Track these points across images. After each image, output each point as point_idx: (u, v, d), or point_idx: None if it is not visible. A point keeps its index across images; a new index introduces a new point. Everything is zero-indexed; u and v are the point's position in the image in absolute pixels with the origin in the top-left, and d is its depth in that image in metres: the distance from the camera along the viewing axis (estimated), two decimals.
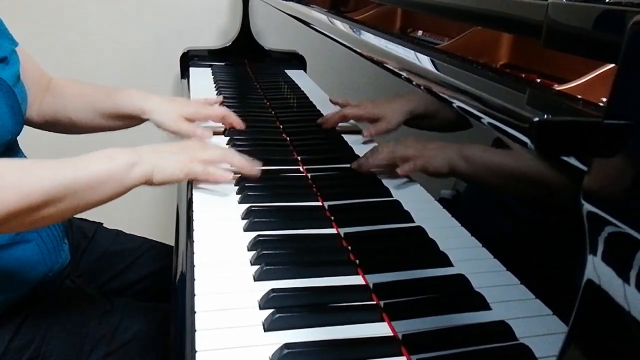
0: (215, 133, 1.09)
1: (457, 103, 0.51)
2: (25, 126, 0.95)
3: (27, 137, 0.99)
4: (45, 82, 1.09)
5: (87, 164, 0.76)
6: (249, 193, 0.85)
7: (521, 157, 0.49)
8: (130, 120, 1.10)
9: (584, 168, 0.35)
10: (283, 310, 0.59)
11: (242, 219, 0.80)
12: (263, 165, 0.95)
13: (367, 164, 0.85)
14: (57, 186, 0.72)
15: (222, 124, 1.11)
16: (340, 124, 1.03)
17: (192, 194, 0.87)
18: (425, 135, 0.74)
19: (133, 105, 1.07)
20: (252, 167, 0.89)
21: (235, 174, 0.89)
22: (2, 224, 0.70)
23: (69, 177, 0.73)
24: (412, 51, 0.66)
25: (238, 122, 1.10)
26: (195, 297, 0.63)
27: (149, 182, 0.81)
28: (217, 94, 1.42)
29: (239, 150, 1.00)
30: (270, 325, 0.58)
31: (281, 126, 1.16)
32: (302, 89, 1.28)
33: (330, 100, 1.08)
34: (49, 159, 0.76)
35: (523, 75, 0.64)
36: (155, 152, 0.83)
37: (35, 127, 1.10)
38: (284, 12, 1.30)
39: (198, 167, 0.85)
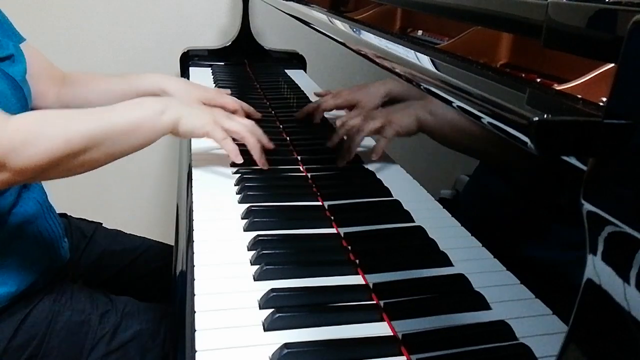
0: None
1: (457, 103, 0.51)
2: None
3: None
4: (59, 75, 1.12)
5: (122, 112, 0.83)
6: (249, 193, 0.85)
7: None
8: None
9: (584, 168, 0.35)
10: (283, 310, 0.59)
11: (242, 218, 0.80)
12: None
13: (336, 137, 0.90)
14: (95, 131, 0.78)
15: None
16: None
17: (192, 194, 0.87)
18: (410, 148, 0.75)
19: (153, 85, 1.12)
20: (261, 155, 0.92)
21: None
22: (49, 168, 0.76)
23: (106, 122, 0.80)
24: (412, 51, 0.66)
25: (253, 112, 1.14)
26: (195, 297, 0.63)
27: (174, 131, 0.87)
28: None
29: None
30: (270, 325, 0.58)
31: (281, 126, 1.16)
32: (302, 89, 1.28)
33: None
34: (88, 109, 0.82)
35: (523, 75, 0.64)
36: (182, 104, 0.90)
37: None
38: (284, 12, 1.30)
39: (218, 132, 0.89)
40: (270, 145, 0.96)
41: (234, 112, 1.11)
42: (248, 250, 0.72)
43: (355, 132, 0.87)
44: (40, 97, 1.06)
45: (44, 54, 1.10)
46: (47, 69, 1.09)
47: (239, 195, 0.86)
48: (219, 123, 0.90)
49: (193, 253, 0.71)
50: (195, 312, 0.60)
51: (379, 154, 0.84)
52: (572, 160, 0.36)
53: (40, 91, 1.06)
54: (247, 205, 0.82)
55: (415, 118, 0.69)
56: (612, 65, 0.36)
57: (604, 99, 0.35)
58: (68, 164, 0.77)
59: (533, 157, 0.45)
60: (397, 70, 0.68)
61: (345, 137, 0.90)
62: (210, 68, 1.72)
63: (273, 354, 0.54)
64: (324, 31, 1.00)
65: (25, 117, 0.78)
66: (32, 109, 1.06)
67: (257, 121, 1.20)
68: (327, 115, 1.06)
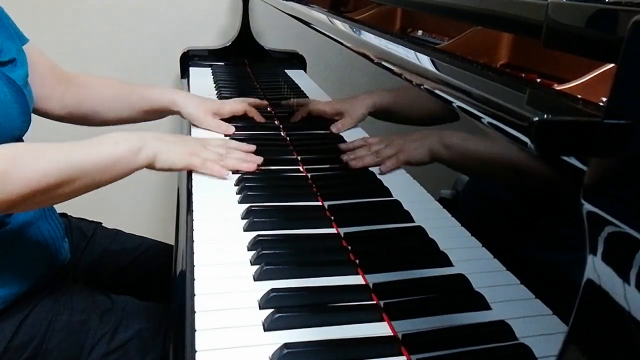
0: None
1: (457, 103, 0.51)
2: (30, 125, 0.96)
3: (34, 133, 0.99)
4: (63, 76, 1.11)
5: (98, 148, 0.82)
6: (249, 193, 0.85)
7: (499, 145, 0.50)
8: (159, 113, 1.17)
9: (584, 168, 0.35)
10: (283, 310, 0.59)
11: (242, 218, 0.80)
12: (263, 165, 0.96)
13: (356, 162, 0.88)
14: (71, 167, 0.78)
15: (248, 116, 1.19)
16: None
17: (192, 194, 0.87)
18: (408, 129, 0.75)
19: (164, 97, 1.14)
20: (248, 164, 0.94)
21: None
22: (21, 202, 0.75)
23: (82, 159, 0.80)
24: (412, 51, 0.66)
25: (259, 118, 1.19)
26: (195, 297, 0.63)
27: (151, 167, 0.88)
28: (217, 94, 1.42)
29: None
30: (270, 325, 0.58)
31: (281, 126, 1.16)
32: (302, 89, 1.28)
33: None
34: (63, 143, 0.81)
35: (523, 75, 0.64)
36: (158, 139, 0.89)
37: (57, 120, 1.13)
38: (284, 12, 1.30)
39: (197, 161, 0.91)
40: (252, 148, 0.98)
41: (244, 112, 1.17)
42: (248, 250, 0.72)
43: (370, 155, 0.86)
44: (44, 100, 1.06)
45: (47, 55, 1.10)
46: (51, 70, 1.09)
47: (239, 195, 0.86)
48: (195, 154, 0.92)
49: (193, 253, 0.71)
50: (195, 312, 0.60)
51: (387, 170, 0.82)
52: (572, 160, 0.36)
53: (44, 93, 1.06)
54: (247, 205, 0.82)
55: (428, 152, 0.69)
56: (612, 65, 0.36)
57: (604, 99, 0.35)
58: (41, 197, 0.77)
59: (549, 174, 0.45)
60: (397, 71, 0.68)
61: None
62: (210, 68, 1.72)
63: (273, 354, 0.54)
64: (324, 31, 1.00)
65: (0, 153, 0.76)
66: (35, 111, 1.06)
67: (257, 121, 1.20)
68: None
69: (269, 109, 1.28)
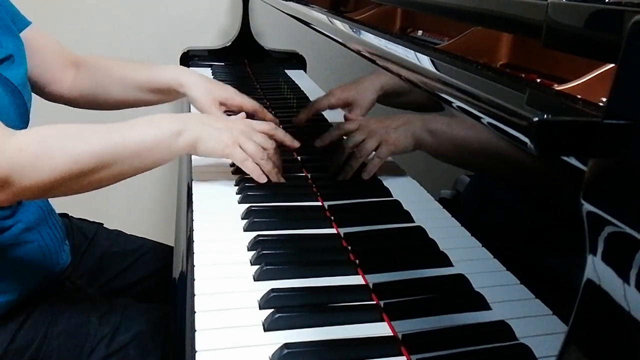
0: None
1: (457, 103, 0.51)
2: (30, 120, 0.94)
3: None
4: (72, 58, 1.09)
5: (135, 131, 0.78)
6: (249, 193, 0.85)
7: (482, 130, 0.50)
8: (167, 94, 1.09)
9: (584, 168, 0.35)
10: (283, 310, 0.59)
11: (242, 219, 0.80)
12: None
13: (345, 175, 0.86)
14: (105, 152, 0.74)
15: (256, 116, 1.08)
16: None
17: (192, 194, 0.87)
18: (389, 112, 0.74)
19: (172, 76, 1.06)
20: (278, 176, 0.88)
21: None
22: (53, 189, 0.73)
23: (118, 143, 0.75)
24: (412, 51, 0.66)
25: (270, 118, 1.08)
26: (195, 297, 0.63)
27: (192, 152, 0.84)
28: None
29: None
30: (270, 325, 0.58)
31: (281, 126, 1.16)
32: (302, 89, 1.28)
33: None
34: (99, 125, 0.77)
35: (523, 75, 0.64)
36: (201, 122, 0.84)
37: (67, 104, 1.10)
38: (284, 12, 1.30)
39: (238, 154, 0.85)
40: (279, 173, 0.90)
41: (252, 113, 1.07)
42: (248, 250, 0.72)
43: (353, 157, 0.85)
44: (55, 83, 1.04)
45: (53, 37, 1.07)
46: (60, 52, 1.06)
47: (239, 195, 0.86)
48: (238, 144, 0.85)
49: (193, 253, 0.71)
50: (195, 312, 0.60)
51: (370, 174, 0.82)
52: (572, 161, 0.36)
53: (55, 76, 1.04)
54: (247, 205, 0.82)
55: (412, 138, 0.68)
56: (612, 65, 0.36)
57: (604, 99, 0.35)
58: (75, 184, 0.74)
59: (535, 166, 0.45)
60: (397, 71, 0.68)
61: (342, 152, 0.87)
62: (210, 68, 1.72)
63: (273, 354, 0.54)
64: (324, 31, 1.00)
65: (29, 136, 0.74)
66: (45, 95, 1.04)
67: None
68: (324, 113, 1.06)
69: (270, 110, 1.28)
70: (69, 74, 1.07)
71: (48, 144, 0.72)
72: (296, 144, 0.93)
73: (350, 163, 0.85)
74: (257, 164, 0.86)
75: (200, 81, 1.06)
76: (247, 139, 0.86)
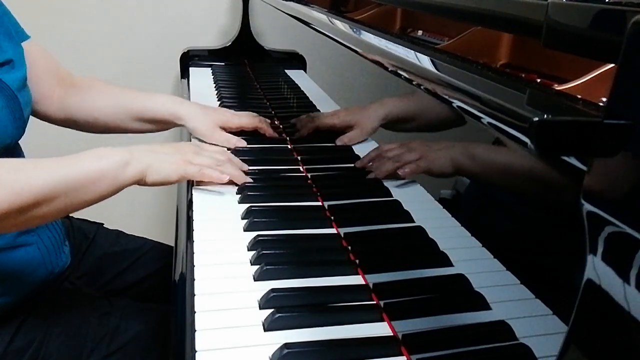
0: None
1: (457, 103, 0.51)
2: (27, 128, 0.94)
3: (31, 138, 0.98)
4: (66, 77, 1.07)
5: (79, 163, 0.75)
6: (249, 193, 0.85)
7: (524, 156, 0.49)
8: (162, 124, 1.09)
9: (584, 168, 0.35)
10: (283, 310, 0.59)
11: (242, 219, 0.80)
12: (263, 165, 0.95)
13: (378, 172, 0.83)
14: (48, 185, 0.71)
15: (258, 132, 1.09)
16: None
17: (192, 194, 0.87)
18: (430, 137, 0.73)
19: (167, 109, 1.06)
20: (243, 176, 0.88)
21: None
22: None
23: (61, 175, 0.73)
24: (412, 51, 0.66)
25: (270, 133, 1.08)
26: (195, 297, 0.63)
27: (141, 182, 0.80)
28: (217, 94, 1.42)
29: (239, 151, 1.01)
30: (270, 325, 0.58)
31: (281, 126, 1.16)
32: (302, 89, 1.28)
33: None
34: (42, 159, 0.75)
35: (523, 75, 0.64)
36: (149, 151, 0.82)
37: (54, 123, 1.09)
38: (284, 12, 1.30)
39: (192, 169, 0.84)
40: (245, 167, 0.91)
41: (254, 128, 1.07)
42: (248, 250, 0.72)
43: (389, 161, 0.81)
44: (42, 100, 1.03)
45: (50, 54, 1.06)
46: (53, 69, 1.05)
47: (238, 195, 0.86)
48: (189, 161, 0.84)
49: (193, 253, 0.71)
50: (195, 312, 0.60)
51: (406, 174, 0.77)
52: (572, 161, 0.36)
53: (43, 93, 1.02)
54: (247, 205, 0.82)
55: (451, 162, 0.65)
56: (612, 65, 0.36)
57: (604, 99, 0.35)
58: (16, 219, 0.71)
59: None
60: (397, 71, 0.68)
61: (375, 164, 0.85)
62: (210, 68, 1.72)
63: (273, 354, 0.54)
64: (324, 31, 1.00)
65: None
66: (34, 113, 1.02)
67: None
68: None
69: (270, 110, 1.28)
70: (58, 93, 1.05)
71: None
72: (246, 167, 0.91)
73: (386, 164, 0.81)
74: (218, 170, 0.85)
75: (196, 110, 1.06)
76: (197, 153, 0.87)
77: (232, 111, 1.12)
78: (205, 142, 1.03)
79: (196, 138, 1.06)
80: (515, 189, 0.54)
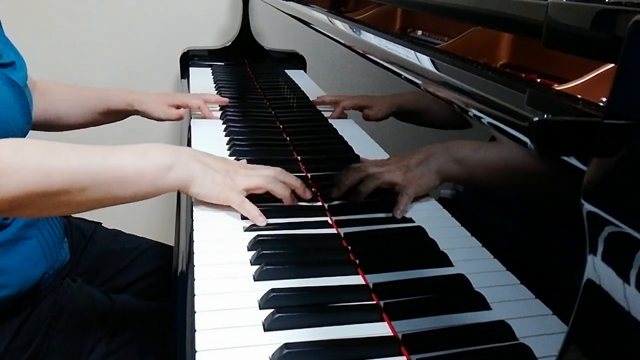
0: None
1: (457, 103, 0.51)
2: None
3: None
4: (32, 84, 1.08)
5: (119, 155, 0.71)
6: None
7: (513, 151, 0.49)
8: (119, 114, 1.22)
9: (584, 168, 0.35)
10: (283, 310, 0.59)
11: (242, 218, 0.80)
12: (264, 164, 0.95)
13: (356, 196, 0.79)
14: (80, 172, 0.67)
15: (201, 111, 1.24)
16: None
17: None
18: (406, 146, 0.72)
19: (120, 99, 1.19)
20: (293, 198, 0.82)
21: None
22: (20, 207, 0.67)
23: (96, 165, 0.68)
24: (412, 51, 0.66)
25: (218, 99, 1.27)
26: (195, 297, 0.63)
27: (182, 190, 0.77)
28: (216, 94, 1.42)
29: (239, 151, 1.01)
30: (270, 325, 0.58)
31: (281, 126, 1.16)
32: (302, 89, 1.28)
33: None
34: (84, 145, 0.71)
35: (523, 75, 0.64)
36: (196, 160, 0.77)
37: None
38: (284, 12, 1.30)
39: (236, 198, 0.78)
40: (304, 192, 0.83)
41: (197, 108, 1.24)
42: (248, 250, 0.72)
43: (370, 179, 0.77)
44: None
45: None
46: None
47: None
48: (236, 186, 0.78)
49: (193, 253, 0.71)
50: (195, 312, 0.60)
51: (402, 212, 0.72)
52: (572, 161, 0.36)
53: None
54: None
55: (436, 175, 0.62)
56: (612, 65, 0.36)
57: (604, 99, 0.35)
58: (44, 202, 0.67)
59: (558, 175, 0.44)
60: (397, 71, 0.68)
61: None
62: (210, 68, 1.72)
63: (273, 354, 0.54)
64: (324, 31, 1.00)
65: (4, 143, 0.67)
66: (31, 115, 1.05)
67: (257, 121, 1.20)
68: (325, 113, 1.06)
69: (270, 110, 1.28)
70: None
71: (20, 154, 0.66)
72: (308, 194, 0.84)
73: (366, 184, 0.77)
74: (269, 190, 0.80)
75: (145, 96, 1.21)
76: (245, 176, 0.80)
77: (177, 93, 1.32)
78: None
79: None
80: (510, 187, 0.54)
